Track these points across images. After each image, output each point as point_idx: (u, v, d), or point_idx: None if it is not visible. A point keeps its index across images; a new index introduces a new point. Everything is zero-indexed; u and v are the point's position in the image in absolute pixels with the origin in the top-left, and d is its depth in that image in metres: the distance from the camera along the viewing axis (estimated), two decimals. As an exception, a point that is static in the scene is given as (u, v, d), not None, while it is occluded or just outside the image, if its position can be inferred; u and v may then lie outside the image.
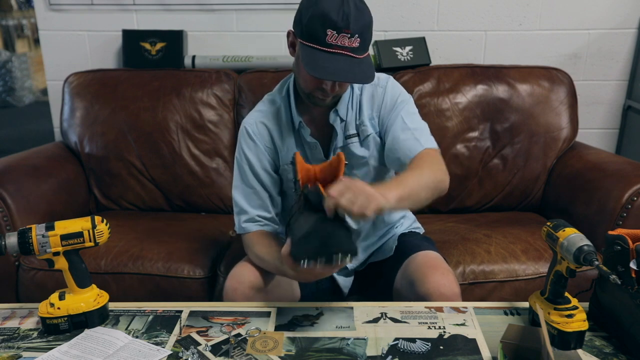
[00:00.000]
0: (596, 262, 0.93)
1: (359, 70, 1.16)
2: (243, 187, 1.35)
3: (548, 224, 1.05)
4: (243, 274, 1.29)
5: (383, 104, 1.33)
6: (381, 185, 1.08)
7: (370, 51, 2.16)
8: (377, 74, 1.31)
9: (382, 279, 1.40)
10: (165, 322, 1.13)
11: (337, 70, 1.14)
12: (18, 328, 1.12)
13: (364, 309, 1.18)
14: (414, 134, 1.28)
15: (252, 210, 1.35)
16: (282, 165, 1.36)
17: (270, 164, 1.35)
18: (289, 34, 1.25)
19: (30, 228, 1.07)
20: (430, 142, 1.28)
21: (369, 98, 1.34)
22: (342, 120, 1.33)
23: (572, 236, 0.98)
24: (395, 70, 2.11)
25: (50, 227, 1.07)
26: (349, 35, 1.13)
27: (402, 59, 2.15)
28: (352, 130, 1.34)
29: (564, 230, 1.00)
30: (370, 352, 1.03)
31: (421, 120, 1.34)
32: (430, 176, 1.18)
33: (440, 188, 1.19)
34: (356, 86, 1.34)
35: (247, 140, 1.35)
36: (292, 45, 1.26)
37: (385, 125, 1.33)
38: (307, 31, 1.16)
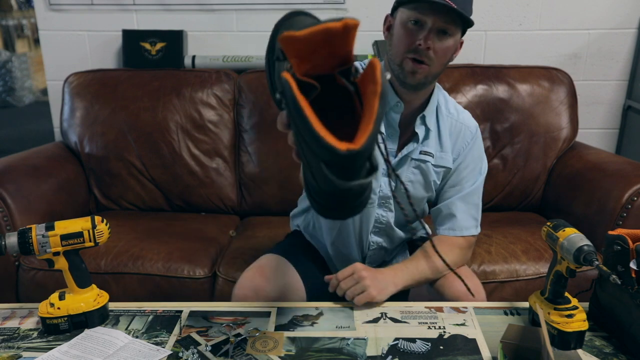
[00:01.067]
0: (596, 262, 0.93)
1: (453, 8, 1.11)
2: None
3: (548, 224, 1.05)
4: (251, 282, 1.27)
5: (466, 151, 1.30)
6: (397, 266, 1.23)
7: (371, 51, 2.17)
8: (465, 116, 1.32)
9: None
10: (165, 322, 1.13)
11: (434, 3, 1.11)
12: (18, 328, 1.12)
13: (364, 309, 1.17)
14: (473, 213, 1.31)
15: None
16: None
17: None
18: (386, 18, 1.24)
19: (30, 228, 1.07)
20: (476, 228, 1.32)
21: (448, 129, 1.30)
22: (427, 129, 1.27)
23: (572, 236, 0.98)
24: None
25: (50, 227, 1.07)
26: None
27: (402, 59, 2.15)
28: (431, 150, 1.29)
29: (564, 230, 1.00)
30: (370, 352, 1.03)
31: (481, 194, 1.34)
32: (445, 265, 1.24)
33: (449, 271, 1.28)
34: (442, 111, 1.30)
35: None
36: (388, 29, 1.24)
37: (455, 173, 1.31)
38: None
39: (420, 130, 1.26)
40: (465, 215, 1.30)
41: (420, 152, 1.28)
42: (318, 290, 1.36)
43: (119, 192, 2.11)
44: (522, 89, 2.05)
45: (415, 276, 1.23)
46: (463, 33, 1.21)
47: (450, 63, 2.11)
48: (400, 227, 1.38)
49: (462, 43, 1.24)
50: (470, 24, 1.18)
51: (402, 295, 1.33)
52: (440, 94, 1.32)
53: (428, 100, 1.27)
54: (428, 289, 1.32)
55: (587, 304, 1.13)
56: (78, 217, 1.11)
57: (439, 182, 1.32)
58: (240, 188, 2.11)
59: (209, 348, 1.04)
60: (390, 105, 1.25)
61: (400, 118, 1.26)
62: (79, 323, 1.10)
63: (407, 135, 1.28)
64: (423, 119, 1.26)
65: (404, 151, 1.28)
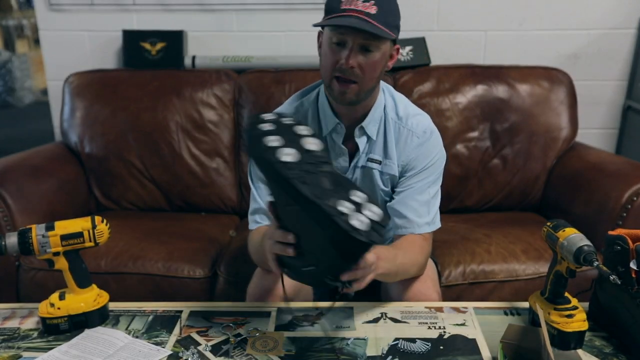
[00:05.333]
0: (596, 262, 0.93)
1: (371, 27, 1.09)
2: (261, 187, 1.29)
3: (548, 224, 1.05)
4: (265, 281, 1.27)
5: (413, 157, 1.27)
6: (380, 250, 1.08)
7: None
8: (415, 121, 1.28)
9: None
10: (165, 322, 1.13)
11: (346, 21, 1.09)
12: (18, 328, 1.12)
13: (364, 309, 1.18)
14: (423, 212, 1.26)
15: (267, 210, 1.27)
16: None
17: None
18: (319, 35, 1.23)
19: (30, 228, 1.07)
20: (428, 226, 1.27)
21: (394, 136, 1.27)
22: (369, 138, 1.27)
23: (572, 236, 0.98)
24: (395, 71, 2.11)
25: (50, 227, 1.07)
26: None
27: (402, 59, 2.15)
28: (378, 157, 1.28)
29: (564, 231, 1.00)
30: (370, 352, 1.03)
31: (438, 192, 1.30)
32: (414, 267, 1.24)
33: (413, 275, 1.26)
34: (389, 118, 1.27)
35: None
36: (320, 46, 1.22)
37: (403, 178, 1.28)
38: (325, 9, 1.16)
39: (361, 141, 1.26)
40: (415, 216, 1.26)
41: (368, 160, 1.28)
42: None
43: (119, 192, 2.10)
44: (522, 89, 2.05)
45: (393, 264, 1.16)
46: (395, 40, 1.19)
47: (450, 63, 2.14)
48: None
49: (398, 49, 1.22)
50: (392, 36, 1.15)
51: (374, 295, 1.34)
52: (388, 99, 1.30)
53: (369, 110, 1.25)
54: (386, 284, 1.31)
55: (587, 304, 1.13)
56: (78, 217, 1.11)
57: (387, 189, 1.30)
58: (240, 188, 2.11)
59: (209, 348, 1.04)
60: (329, 129, 1.26)
61: (344, 134, 1.26)
62: (79, 323, 1.10)
63: (354, 146, 1.28)
64: (362, 130, 1.25)
65: (353, 162, 1.28)
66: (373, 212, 0.87)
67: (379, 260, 1.05)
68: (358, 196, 0.88)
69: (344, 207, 0.85)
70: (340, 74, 1.15)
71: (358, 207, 0.87)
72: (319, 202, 0.83)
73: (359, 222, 0.83)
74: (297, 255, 0.94)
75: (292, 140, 0.91)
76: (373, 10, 1.11)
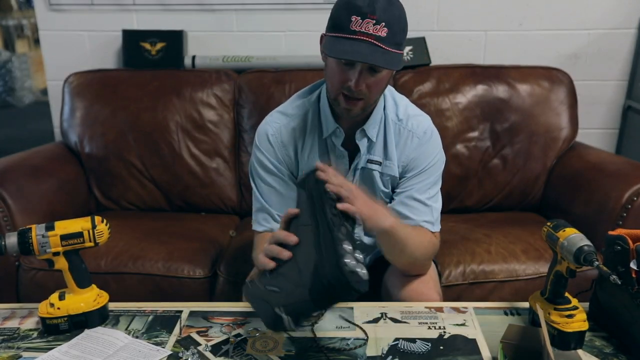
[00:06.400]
0: (596, 262, 0.93)
1: (381, 55, 1.08)
2: (262, 186, 1.29)
3: (548, 224, 1.05)
4: None
5: (413, 157, 1.27)
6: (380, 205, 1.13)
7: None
8: (415, 121, 1.28)
9: (377, 278, 1.39)
10: (165, 322, 1.13)
11: (357, 52, 1.08)
12: (18, 328, 1.12)
13: (364, 309, 1.18)
14: (425, 211, 1.26)
15: (269, 209, 1.27)
16: (299, 175, 1.29)
17: (287, 175, 1.28)
18: (321, 38, 1.20)
19: (30, 228, 1.07)
20: (435, 225, 1.28)
21: (394, 137, 1.27)
22: (369, 140, 1.26)
23: (572, 236, 0.98)
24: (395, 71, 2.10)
25: (50, 227, 1.07)
26: (375, 21, 1.07)
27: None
28: (378, 158, 1.28)
29: (564, 231, 1.00)
30: (370, 352, 1.03)
31: (439, 193, 1.30)
32: (419, 251, 1.23)
33: (418, 264, 1.27)
34: (390, 120, 1.27)
35: (267, 145, 1.28)
36: (323, 50, 1.19)
37: (404, 179, 1.28)
38: (332, 22, 1.13)
39: (362, 143, 1.26)
40: (416, 215, 1.26)
41: (368, 161, 1.28)
42: None
43: (119, 192, 2.11)
44: (522, 89, 2.05)
45: (403, 226, 1.18)
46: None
47: (450, 63, 2.14)
48: (369, 234, 1.37)
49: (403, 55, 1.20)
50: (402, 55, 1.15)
51: (374, 295, 1.34)
52: (388, 100, 1.29)
53: (371, 113, 1.25)
54: (387, 283, 1.32)
55: (587, 304, 1.12)
56: (78, 217, 1.11)
57: (387, 190, 1.30)
58: (240, 188, 2.11)
59: (209, 348, 1.04)
60: (328, 132, 1.25)
61: (344, 137, 1.26)
62: (79, 323, 1.10)
63: (354, 147, 1.28)
64: (363, 132, 1.25)
65: (353, 164, 1.28)
66: (363, 272, 0.91)
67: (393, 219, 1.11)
68: (359, 254, 0.94)
69: (348, 246, 0.92)
70: (348, 93, 1.15)
71: (356, 257, 0.93)
72: (332, 227, 0.94)
73: (350, 261, 0.89)
74: (271, 272, 0.97)
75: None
76: (383, 33, 1.08)
